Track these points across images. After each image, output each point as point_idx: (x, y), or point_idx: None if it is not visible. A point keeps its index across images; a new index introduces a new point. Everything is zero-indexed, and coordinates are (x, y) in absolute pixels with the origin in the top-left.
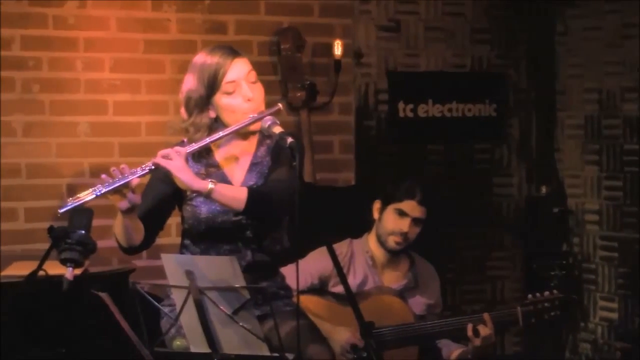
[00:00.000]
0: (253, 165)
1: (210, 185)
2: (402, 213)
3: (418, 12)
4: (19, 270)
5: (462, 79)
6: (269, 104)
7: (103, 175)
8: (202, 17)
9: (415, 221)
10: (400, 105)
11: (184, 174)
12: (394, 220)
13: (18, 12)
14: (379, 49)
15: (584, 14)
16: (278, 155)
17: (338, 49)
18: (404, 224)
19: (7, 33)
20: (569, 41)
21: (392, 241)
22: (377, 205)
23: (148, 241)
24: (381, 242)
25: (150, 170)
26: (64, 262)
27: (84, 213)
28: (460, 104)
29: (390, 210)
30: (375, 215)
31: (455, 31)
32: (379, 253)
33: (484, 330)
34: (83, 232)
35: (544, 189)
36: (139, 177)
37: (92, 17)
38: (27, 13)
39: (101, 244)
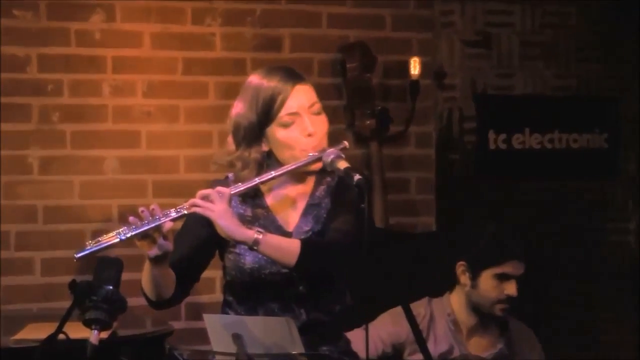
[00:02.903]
0: (309, 207)
1: (257, 235)
2: (505, 277)
3: (512, 23)
4: (35, 333)
5: (565, 104)
6: (332, 136)
7: (131, 218)
8: (252, 31)
9: (518, 279)
10: (491, 135)
11: (226, 221)
12: (497, 287)
13: (35, 28)
14: (465, 68)
15: None
16: (340, 196)
17: (415, 68)
18: (512, 288)
19: (22, 52)
20: None
21: (499, 310)
22: (461, 267)
23: (180, 294)
24: (480, 312)
25: (185, 214)
26: (88, 323)
27: (111, 265)
28: (563, 134)
29: (488, 276)
30: (463, 279)
31: (557, 46)
32: (464, 316)
33: None
34: (111, 287)
35: None
36: (173, 220)
37: (121, 33)
38: (45, 28)
39: (132, 301)
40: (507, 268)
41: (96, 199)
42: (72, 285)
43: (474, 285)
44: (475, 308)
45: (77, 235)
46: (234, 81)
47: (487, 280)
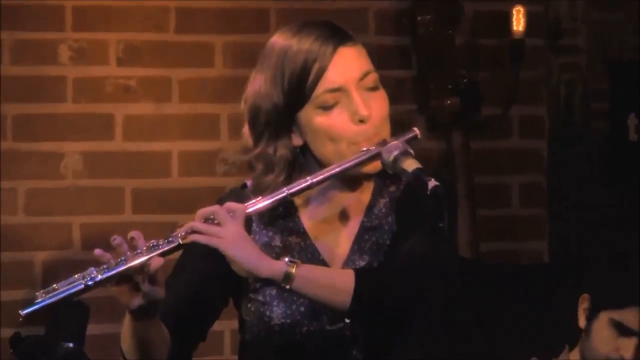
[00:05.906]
0: (365, 230)
1: (289, 268)
2: (623, 330)
3: None
4: None
5: None
6: (396, 122)
7: (97, 251)
8: None
9: None
10: (631, 120)
11: (242, 251)
12: (609, 338)
13: None
14: (592, 24)
15: None
16: (409, 212)
17: (519, 22)
18: (627, 347)
19: None
20: None
21: None
22: (584, 304)
23: (178, 358)
24: None
25: (181, 245)
26: None
27: (73, 312)
28: None
29: (603, 319)
30: (581, 321)
31: None
32: None
33: None
34: (71, 345)
35: None
36: (163, 254)
37: None
38: None
39: None
40: (628, 317)
41: (50, 215)
42: (15, 341)
43: (587, 331)
44: None
45: (22, 267)
46: (251, 42)
47: (602, 326)
